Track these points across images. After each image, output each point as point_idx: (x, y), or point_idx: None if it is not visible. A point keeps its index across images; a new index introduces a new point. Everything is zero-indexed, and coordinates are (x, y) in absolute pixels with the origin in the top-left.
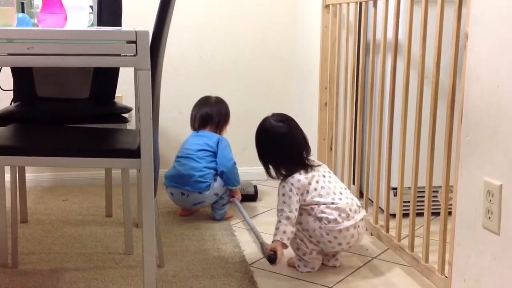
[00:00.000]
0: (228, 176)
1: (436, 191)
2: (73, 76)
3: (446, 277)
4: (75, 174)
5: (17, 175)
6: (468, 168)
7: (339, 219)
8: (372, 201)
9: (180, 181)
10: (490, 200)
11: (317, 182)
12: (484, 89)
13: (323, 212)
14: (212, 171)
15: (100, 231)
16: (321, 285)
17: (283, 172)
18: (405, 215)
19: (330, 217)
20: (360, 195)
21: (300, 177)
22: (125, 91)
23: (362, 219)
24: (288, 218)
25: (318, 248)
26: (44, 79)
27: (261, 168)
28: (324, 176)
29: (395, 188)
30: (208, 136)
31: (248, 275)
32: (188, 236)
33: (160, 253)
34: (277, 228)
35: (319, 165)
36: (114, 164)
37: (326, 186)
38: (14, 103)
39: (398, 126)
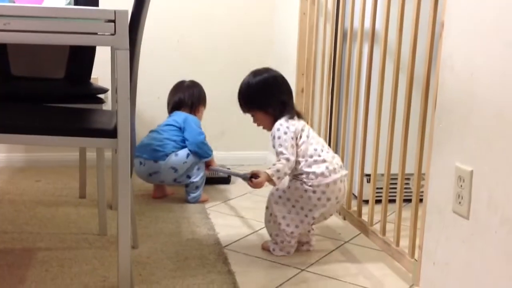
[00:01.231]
0: (201, 149)
1: (408, 179)
2: (49, 56)
3: (416, 260)
4: (48, 155)
5: None
6: (440, 154)
7: (326, 173)
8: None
9: (140, 150)
10: (461, 186)
11: (308, 130)
12: (458, 77)
13: (309, 166)
14: (172, 143)
15: (73, 212)
16: (294, 267)
17: (274, 116)
18: (378, 201)
19: (318, 171)
20: None
21: (293, 122)
22: (101, 73)
23: (346, 175)
24: (288, 160)
25: (299, 230)
26: (19, 58)
27: (239, 153)
28: (309, 128)
29: (369, 175)
30: (177, 114)
31: (222, 257)
32: (163, 219)
33: (134, 235)
34: (274, 164)
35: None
36: (91, 144)
37: (315, 136)
38: None
39: (373, 113)
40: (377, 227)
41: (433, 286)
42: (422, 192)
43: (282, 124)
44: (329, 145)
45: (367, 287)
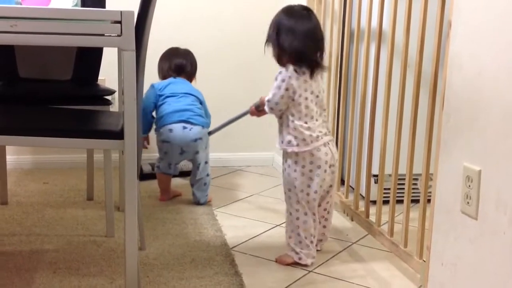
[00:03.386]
0: (208, 125)
1: (416, 179)
2: (56, 57)
3: (424, 261)
4: (56, 157)
5: None
6: (448, 154)
7: (308, 140)
8: (353, 188)
9: (183, 115)
10: (469, 186)
11: (306, 98)
12: (466, 76)
13: (295, 128)
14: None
15: (81, 214)
16: (301, 268)
17: (281, 58)
18: (385, 202)
19: (300, 136)
20: (341, 182)
21: (297, 76)
22: (109, 75)
23: (331, 140)
24: (267, 102)
25: (305, 209)
26: (27, 60)
27: (244, 154)
28: (317, 96)
29: (376, 175)
30: (190, 85)
31: (229, 258)
32: (170, 220)
33: (142, 236)
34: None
35: (321, 78)
36: (97, 145)
37: (310, 106)
38: None
39: (380, 113)
40: (384, 228)
41: (441, 287)
42: (430, 192)
43: (282, 73)
44: (336, 144)
45: None
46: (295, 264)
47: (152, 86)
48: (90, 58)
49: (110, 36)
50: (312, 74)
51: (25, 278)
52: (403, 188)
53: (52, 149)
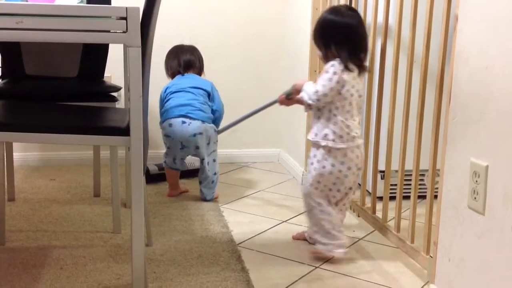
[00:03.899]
0: (220, 118)
1: (423, 175)
2: (62, 55)
3: (431, 257)
4: (62, 153)
5: (4, 153)
6: (455, 149)
7: (345, 138)
8: (360, 184)
9: (182, 110)
10: (476, 181)
11: (352, 95)
12: (473, 71)
13: (335, 123)
14: (210, 108)
15: (88, 210)
16: (308, 264)
17: (326, 57)
18: (392, 198)
19: (338, 132)
20: None
21: (348, 76)
22: (115, 71)
23: (363, 143)
24: (314, 93)
25: (327, 202)
26: (33, 57)
27: (251, 150)
28: (360, 96)
29: (383, 171)
30: (197, 78)
31: (236, 254)
32: (176, 216)
33: (148, 232)
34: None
35: (362, 76)
36: (103, 142)
37: (353, 104)
38: (2, 80)
39: (387, 108)
40: (391, 224)
41: (448, 282)
42: (437, 188)
43: (334, 65)
44: None
45: (381, 285)
46: (326, 258)
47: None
48: (96, 54)
49: (116, 32)
50: (359, 73)
51: (32, 274)
52: (410, 184)
53: (59, 145)
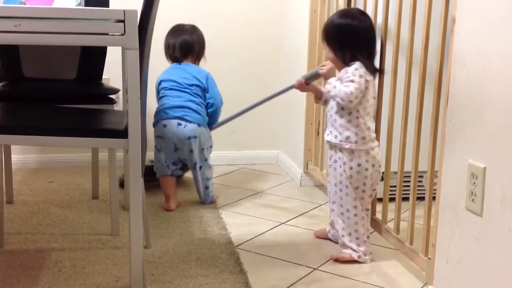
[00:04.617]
0: (217, 111)
1: (422, 176)
2: (60, 57)
3: (430, 258)
4: (61, 156)
5: (2, 156)
6: (453, 151)
7: (367, 139)
8: None
9: (179, 111)
10: (474, 183)
11: (372, 97)
12: (470, 72)
13: (358, 125)
14: (205, 109)
15: (86, 213)
16: (306, 266)
17: (343, 61)
18: (391, 199)
19: (360, 134)
20: None
21: (370, 78)
22: (113, 74)
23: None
24: (351, 90)
25: (362, 206)
26: (31, 59)
27: (250, 152)
28: (374, 98)
29: (382, 173)
30: (193, 69)
31: (234, 256)
32: (175, 218)
33: (147, 234)
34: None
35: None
36: (102, 144)
37: (373, 106)
38: (0, 82)
39: (386, 110)
40: (390, 225)
41: (447, 284)
42: (435, 190)
43: (358, 69)
44: None
45: (380, 286)
46: (353, 261)
47: (156, 84)
48: (94, 57)
49: (114, 35)
50: (374, 75)
51: (30, 277)
52: (409, 186)
53: (57, 148)
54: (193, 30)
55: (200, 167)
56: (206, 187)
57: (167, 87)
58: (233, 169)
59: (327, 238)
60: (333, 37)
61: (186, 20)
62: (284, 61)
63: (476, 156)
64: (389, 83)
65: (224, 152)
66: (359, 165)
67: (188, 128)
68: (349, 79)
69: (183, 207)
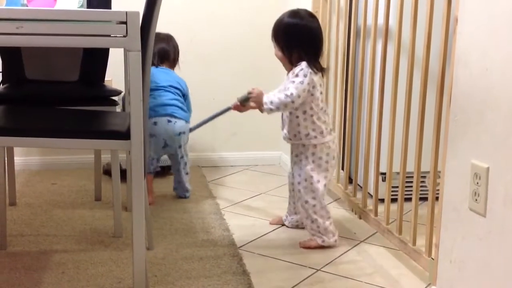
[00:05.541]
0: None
1: (424, 177)
2: (62, 59)
3: (433, 259)
4: (63, 158)
5: (5, 157)
6: (455, 151)
7: (325, 133)
8: (361, 187)
9: (168, 109)
10: (477, 183)
11: (321, 93)
12: (473, 72)
13: (313, 122)
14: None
15: (89, 214)
16: (309, 267)
17: (290, 60)
18: (394, 200)
19: (318, 129)
20: (349, 180)
21: (315, 77)
22: (115, 75)
23: (335, 136)
24: (290, 98)
25: (319, 198)
26: (33, 61)
27: (252, 153)
28: (321, 93)
29: (384, 174)
30: (175, 76)
31: (237, 257)
32: (177, 220)
33: (149, 236)
34: (274, 94)
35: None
36: (104, 146)
37: (323, 99)
38: (2, 85)
39: (388, 111)
40: (393, 226)
41: (450, 284)
42: (438, 190)
43: (303, 68)
44: (343, 143)
45: (383, 287)
46: (320, 247)
47: None
48: (97, 59)
49: (116, 37)
50: (323, 72)
51: (33, 278)
52: (411, 186)
53: (60, 150)
54: (168, 38)
55: (186, 163)
56: (186, 181)
57: (150, 87)
58: (235, 171)
59: (283, 225)
60: (280, 37)
61: (186, 21)
62: None
63: (479, 156)
64: (391, 84)
65: (226, 153)
66: (320, 158)
67: (178, 125)
68: (291, 80)
69: (184, 207)
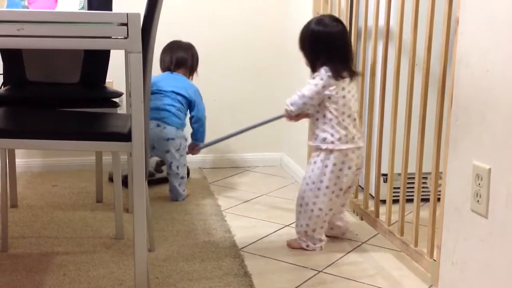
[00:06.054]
0: (202, 126)
1: (426, 178)
2: (63, 61)
3: (435, 260)
4: (65, 159)
5: (7, 160)
6: (457, 152)
7: (344, 140)
8: (363, 188)
9: (159, 113)
10: (479, 184)
11: (344, 97)
12: (474, 73)
13: (332, 127)
14: (185, 115)
15: (90, 216)
16: (311, 268)
17: (313, 65)
18: (395, 201)
19: (336, 134)
20: None
21: (330, 79)
22: (116, 77)
23: (364, 146)
24: (302, 94)
25: (323, 205)
26: (34, 63)
27: (254, 155)
28: (354, 98)
29: (385, 175)
30: (185, 82)
31: (239, 259)
32: (179, 221)
33: (151, 238)
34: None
35: (355, 80)
36: (105, 147)
37: (350, 106)
38: (3, 87)
39: (389, 112)
40: (394, 227)
41: (452, 286)
42: (440, 191)
43: (321, 72)
44: None
45: None
46: (303, 249)
47: None
48: (98, 60)
49: (117, 38)
50: (351, 77)
51: (35, 280)
52: (413, 187)
53: (61, 152)
54: (189, 47)
55: (177, 167)
56: (179, 185)
57: (152, 90)
58: (237, 172)
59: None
60: (307, 45)
61: (187, 22)
62: (287, 65)
63: (481, 157)
64: (392, 85)
65: (227, 154)
66: (334, 164)
67: (167, 131)
68: (308, 82)
69: (186, 209)
